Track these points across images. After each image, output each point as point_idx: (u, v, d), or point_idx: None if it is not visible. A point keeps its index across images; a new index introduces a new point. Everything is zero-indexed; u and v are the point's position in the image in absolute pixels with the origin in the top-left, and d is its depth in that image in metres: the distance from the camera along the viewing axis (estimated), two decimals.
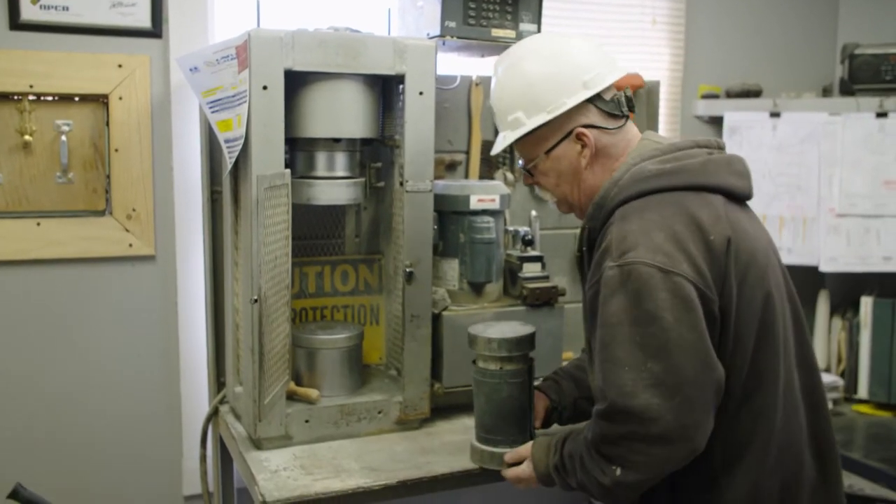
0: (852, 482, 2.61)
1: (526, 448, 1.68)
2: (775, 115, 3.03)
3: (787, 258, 3.00)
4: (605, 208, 1.51)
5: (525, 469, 1.66)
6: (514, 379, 1.74)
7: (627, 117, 1.60)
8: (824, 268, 2.98)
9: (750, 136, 3.05)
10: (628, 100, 1.59)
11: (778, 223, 3.02)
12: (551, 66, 1.57)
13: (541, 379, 1.92)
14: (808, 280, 3.16)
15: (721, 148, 1.59)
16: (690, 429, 1.36)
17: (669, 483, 1.48)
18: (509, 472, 1.70)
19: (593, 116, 1.56)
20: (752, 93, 3.10)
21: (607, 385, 1.39)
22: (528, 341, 1.75)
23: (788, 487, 1.47)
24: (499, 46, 2.21)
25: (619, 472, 1.40)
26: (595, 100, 1.56)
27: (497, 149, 1.67)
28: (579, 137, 1.56)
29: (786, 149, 3.02)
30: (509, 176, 2.46)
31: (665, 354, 1.34)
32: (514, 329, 1.79)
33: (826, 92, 3.24)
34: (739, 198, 1.53)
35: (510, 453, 1.72)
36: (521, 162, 1.69)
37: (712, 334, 1.39)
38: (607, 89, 1.57)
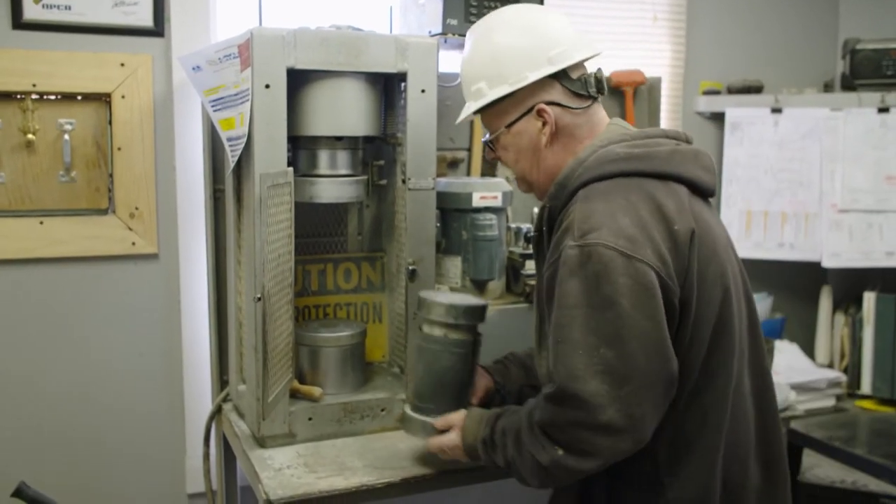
0: (856, 478, 2.61)
1: (457, 416, 1.65)
2: (777, 110, 3.03)
3: (790, 254, 3.01)
4: (567, 188, 1.48)
5: (452, 438, 1.62)
6: (457, 349, 1.71)
7: (595, 99, 1.57)
8: (827, 263, 2.98)
9: (751, 132, 3.05)
10: (598, 81, 1.55)
11: (780, 219, 3.02)
12: (518, 38, 1.55)
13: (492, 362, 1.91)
14: (810, 276, 3.16)
15: (689, 141, 1.58)
16: (637, 420, 1.32)
17: (610, 479, 1.45)
18: (434, 441, 1.67)
19: (557, 94, 1.54)
20: (754, 89, 3.10)
21: (557, 368, 1.36)
22: (476, 313, 1.72)
23: (733, 491, 1.44)
24: None
25: (560, 452, 1.38)
26: (561, 78, 1.53)
27: (460, 118, 1.66)
28: (540, 114, 1.53)
29: (787, 144, 3.02)
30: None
31: (619, 341, 1.31)
32: (465, 300, 1.77)
33: (827, 87, 3.24)
34: (703, 192, 1.51)
35: (440, 419, 1.68)
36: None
37: (670, 326, 1.35)
38: (575, 68, 1.55)
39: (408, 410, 1.78)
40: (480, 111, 1.60)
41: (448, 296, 1.80)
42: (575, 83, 1.54)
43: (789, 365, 2.84)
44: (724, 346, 1.42)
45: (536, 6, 1.73)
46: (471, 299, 1.79)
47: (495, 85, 1.55)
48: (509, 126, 1.58)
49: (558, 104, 1.54)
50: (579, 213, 1.40)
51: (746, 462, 1.47)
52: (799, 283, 3.23)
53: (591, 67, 1.61)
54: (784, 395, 2.30)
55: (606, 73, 2.60)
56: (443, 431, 1.67)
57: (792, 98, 3.05)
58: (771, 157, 3.03)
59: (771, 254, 3.04)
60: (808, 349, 3.07)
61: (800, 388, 2.69)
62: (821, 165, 2.98)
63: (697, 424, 1.41)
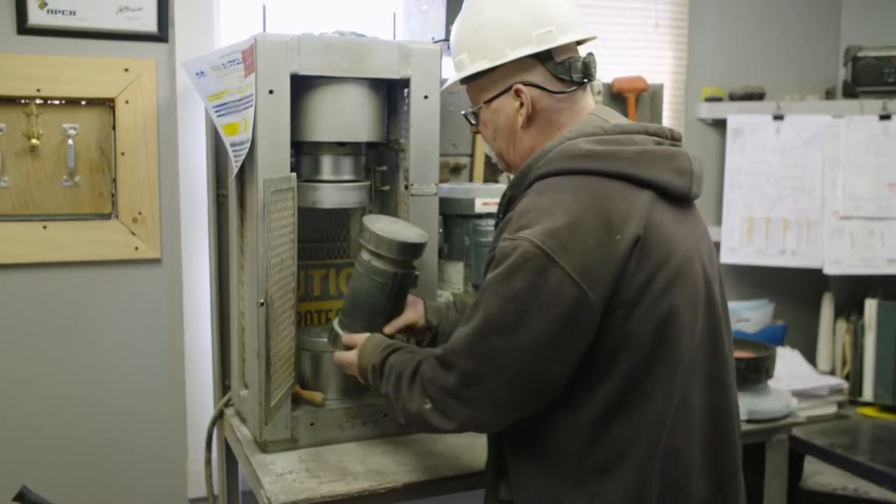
0: (858, 485, 2.61)
1: (361, 337, 1.72)
2: (778, 117, 3.04)
3: (791, 261, 3.01)
4: (527, 178, 1.44)
5: (351, 357, 1.71)
6: (377, 277, 1.77)
7: (580, 85, 1.50)
8: (828, 270, 2.98)
9: (753, 138, 3.06)
10: (586, 67, 1.49)
11: (782, 226, 3.03)
12: (506, 12, 1.49)
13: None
14: (812, 283, 3.16)
15: (675, 139, 1.48)
16: (500, 407, 1.38)
17: (546, 478, 1.43)
18: (336, 354, 1.77)
19: (538, 76, 1.48)
20: (756, 95, 3.10)
21: (455, 336, 1.41)
22: (404, 249, 1.75)
23: (673, 502, 1.41)
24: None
25: (428, 406, 1.43)
26: (545, 59, 1.48)
27: (443, 86, 1.64)
28: (517, 94, 1.48)
29: (789, 151, 3.03)
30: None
31: (511, 335, 1.32)
32: (404, 232, 1.79)
33: (829, 94, 3.25)
34: (675, 196, 1.42)
35: (347, 336, 1.78)
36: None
37: (582, 338, 1.32)
38: (561, 50, 1.48)
39: (334, 323, 1.86)
40: (464, 82, 1.57)
41: (389, 226, 1.81)
42: (559, 67, 1.48)
43: (791, 372, 2.84)
44: (664, 359, 1.35)
45: None
46: (409, 234, 1.79)
47: (476, 59, 1.51)
48: (488, 102, 1.53)
49: (538, 86, 1.48)
50: (522, 207, 1.39)
51: (690, 477, 1.40)
52: (800, 289, 3.23)
53: (589, 51, 1.54)
54: (786, 401, 2.30)
55: (608, 79, 2.65)
56: (350, 348, 1.75)
57: (794, 105, 3.06)
58: (773, 163, 3.04)
59: (773, 260, 3.04)
60: (810, 356, 3.07)
61: (801, 395, 2.69)
62: (823, 172, 2.99)
63: (631, 435, 1.36)
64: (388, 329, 1.81)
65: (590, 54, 1.51)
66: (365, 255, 1.78)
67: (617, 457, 1.36)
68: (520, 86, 1.48)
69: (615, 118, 1.49)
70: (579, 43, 1.55)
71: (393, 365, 1.55)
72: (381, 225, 1.78)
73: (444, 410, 1.42)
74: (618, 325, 1.33)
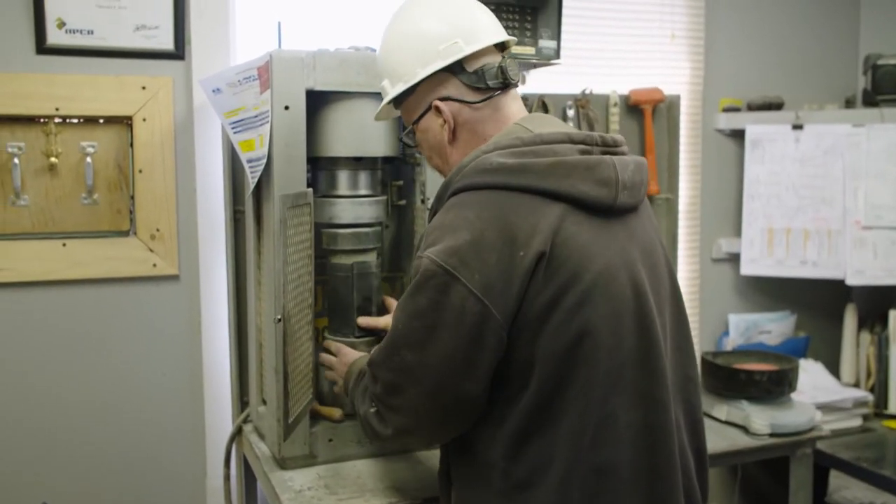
0: (886, 500, 2.57)
1: (343, 348, 1.86)
2: (798, 127, 3.01)
3: (813, 272, 2.98)
4: (446, 193, 1.44)
5: (339, 367, 1.82)
6: (338, 273, 1.94)
7: (501, 91, 1.48)
8: (851, 281, 2.94)
9: (772, 149, 3.03)
10: (502, 72, 1.46)
11: (802, 236, 3.00)
12: (411, 33, 1.49)
13: None
14: (834, 294, 3.13)
15: (608, 145, 1.43)
16: (422, 416, 1.40)
17: (477, 495, 1.43)
18: (321, 355, 1.90)
19: (453, 89, 1.47)
20: (774, 105, 3.08)
21: (375, 348, 1.46)
22: (348, 238, 1.91)
23: None
24: (518, 63, 2.21)
25: (373, 410, 1.48)
26: (457, 71, 1.46)
27: (376, 115, 1.65)
28: (437, 110, 1.48)
29: (809, 161, 3.00)
30: None
31: (420, 350, 1.34)
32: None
33: (849, 103, 3.22)
34: (595, 207, 1.37)
35: (328, 342, 1.92)
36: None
37: (490, 354, 1.32)
38: (472, 59, 1.46)
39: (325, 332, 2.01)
40: (397, 107, 1.58)
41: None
42: (472, 76, 1.46)
43: (814, 384, 2.81)
44: (579, 377, 1.32)
45: None
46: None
47: (395, 82, 1.52)
48: (416, 122, 1.53)
49: (455, 99, 1.47)
50: (430, 225, 1.39)
51: (618, 495, 1.35)
52: (823, 301, 3.20)
53: (508, 55, 1.51)
54: (809, 415, 2.27)
55: (625, 91, 2.64)
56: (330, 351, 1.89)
57: (813, 114, 3.04)
58: (792, 173, 3.01)
59: (794, 271, 3.01)
60: (833, 368, 3.03)
61: (825, 407, 2.65)
62: (843, 182, 2.96)
63: (549, 451, 1.34)
64: (362, 321, 1.93)
65: (506, 58, 1.49)
66: (329, 258, 1.94)
67: (536, 473, 1.34)
68: (437, 102, 1.48)
69: (541, 126, 1.45)
70: (504, 50, 1.53)
71: (362, 371, 1.61)
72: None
73: (381, 415, 1.46)
74: (528, 342, 1.32)
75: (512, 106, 1.51)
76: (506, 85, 1.48)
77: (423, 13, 1.51)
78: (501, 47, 1.53)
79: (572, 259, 1.31)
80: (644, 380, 1.36)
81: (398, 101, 1.55)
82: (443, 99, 1.47)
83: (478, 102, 1.47)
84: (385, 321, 1.91)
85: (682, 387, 1.49)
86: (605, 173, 1.37)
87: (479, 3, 1.55)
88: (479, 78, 1.47)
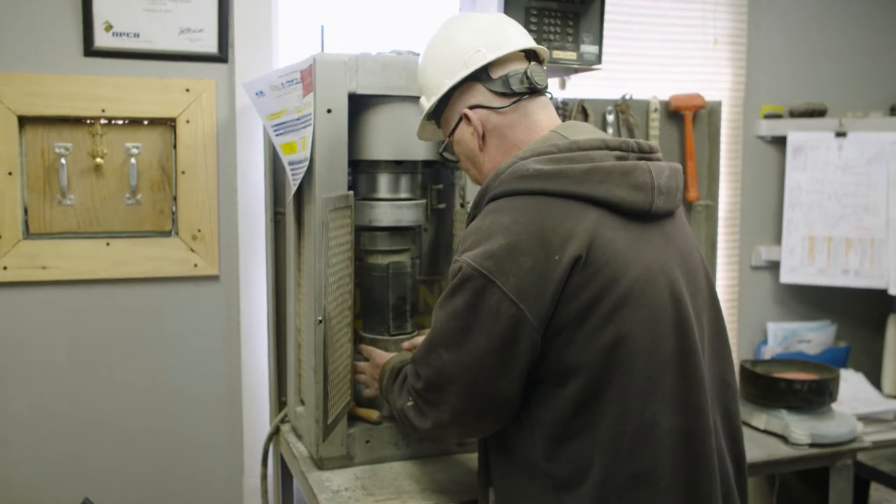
0: None
1: (378, 352, 1.88)
2: (841, 134, 2.97)
3: (854, 281, 2.94)
4: (484, 198, 1.46)
5: (370, 370, 1.86)
6: (374, 273, 1.96)
7: (527, 96, 1.50)
8: (894, 291, 2.90)
9: (815, 156, 3.00)
10: (528, 77, 1.49)
11: (845, 245, 2.96)
12: (440, 49, 1.56)
13: None
14: (876, 303, 3.09)
15: (644, 152, 1.45)
16: (458, 413, 1.43)
17: (517, 494, 1.44)
18: (356, 364, 1.92)
19: (480, 96, 1.51)
20: (817, 112, 3.05)
21: (419, 345, 1.49)
22: (385, 238, 1.94)
23: None
24: (560, 68, 2.21)
25: (410, 404, 1.53)
26: (482, 79, 1.51)
27: (417, 132, 1.71)
28: (467, 119, 1.52)
29: (852, 169, 2.96)
30: None
31: (457, 349, 1.38)
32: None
33: (894, 111, 3.17)
34: (632, 212, 1.38)
35: (362, 346, 1.95)
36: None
37: (524, 356, 1.34)
38: (496, 67, 1.50)
39: (361, 332, 2.03)
40: (437, 125, 1.64)
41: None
42: (496, 82, 1.50)
43: (855, 395, 2.77)
44: (615, 383, 1.33)
45: (467, 14, 1.71)
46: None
47: (429, 97, 1.58)
48: (451, 135, 1.59)
49: (482, 106, 1.51)
50: (468, 229, 1.43)
51: (656, 499, 1.35)
52: (864, 310, 3.15)
53: (535, 62, 1.54)
54: (850, 426, 2.24)
55: (665, 97, 2.62)
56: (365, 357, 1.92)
57: (857, 122, 3.00)
58: (835, 181, 2.97)
59: (835, 280, 2.98)
60: (875, 379, 2.99)
61: (866, 419, 2.62)
62: (887, 190, 2.92)
63: (587, 455, 1.34)
64: (406, 345, 1.92)
65: (533, 65, 1.52)
66: (365, 259, 1.96)
67: (575, 475, 1.36)
68: (466, 110, 1.52)
69: (577, 134, 1.46)
70: (534, 60, 1.56)
71: (397, 370, 1.67)
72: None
73: (420, 409, 1.50)
74: (563, 346, 1.33)
75: (541, 113, 1.53)
76: (532, 91, 1.51)
77: (452, 31, 1.57)
78: (534, 58, 1.56)
79: (609, 264, 1.32)
80: (682, 385, 1.36)
81: (436, 116, 1.61)
82: (471, 107, 1.52)
83: (504, 108, 1.50)
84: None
85: (721, 393, 1.49)
86: (640, 178, 1.38)
87: (508, 18, 1.61)
88: (505, 83, 1.50)
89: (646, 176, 1.39)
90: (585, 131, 1.49)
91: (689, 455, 1.36)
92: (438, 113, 1.60)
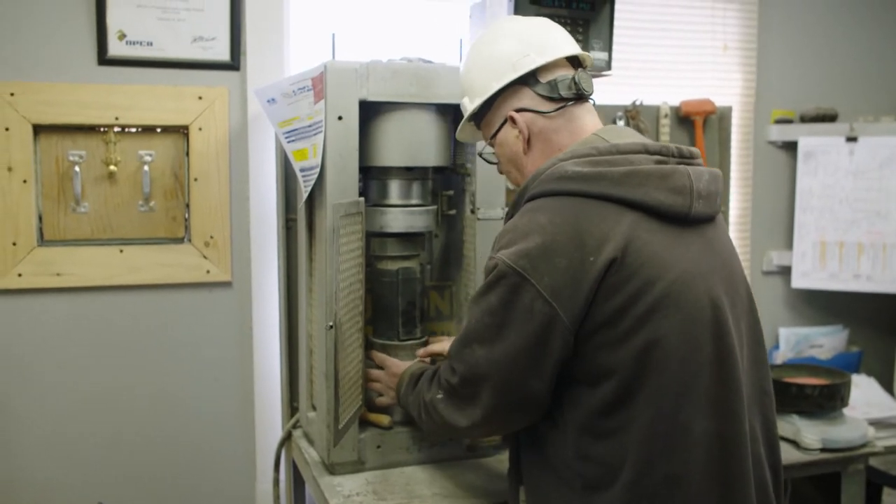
0: None
1: (391, 360, 1.89)
2: (852, 139, 2.97)
3: (866, 286, 2.93)
4: (522, 198, 1.47)
5: (386, 379, 1.87)
6: (384, 279, 1.97)
7: (570, 101, 1.51)
8: None
9: (826, 161, 2.99)
10: (575, 83, 1.51)
11: (856, 250, 2.95)
12: (488, 50, 1.56)
13: None
14: (888, 308, 3.08)
15: (685, 157, 1.45)
16: (490, 410, 1.44)
17: (548, 492, 1.45)
18: (370, 372, 1.93)
19: (527, 100, 1.52)
20: (828, 117, 3.05)
21: (454, 340, 1.51)
22: (394, 244, 1.95)
23: None
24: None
25: (440, 395, 1.54)
26: (530, 83, 1.51)
27: (457, 132, 1.72)
28: (512, 121, 1.52)
29: (864, 174, 2.95)
30: None
31: (490, 346, 1.40)
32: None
33: None
34: (670, 216, 1.38)
35: (373, 352, 1.96)
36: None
37: (556, 355, 1.35)
38: (544, 71, 1.51)
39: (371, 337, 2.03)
40: (478, 126, 1.65)
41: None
42: (545, 87, 1.51)
43: (867, 400, 2.75)
44: (649, 385, 1.33)
45: (512, 17, 1.70)
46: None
47: (474, 99, 1.58)
48: (493, 137, 1.59)
49: (529, 110, 1.52)
50: (505, 227, 1.44)
51: (687, 500, 1.36)
52: (876, 315, 3.14)
53: (581, 68, 1.56)
54: (862, 430, 2.23)
55: (676, 102, 2.63)
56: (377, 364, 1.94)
57: (868, 126, 2.99)
58: (846, 186, 2.97)
59: (846, 285, 2.97)
60: (887, 384, 2.98)
61: (878, 423, 2.60)
62: None
63: (619, 455, 1.35)
64: (421, 352, 1.95)
65: (581, 71, 1.54)
66: (375, 264, 1.97)
67: (606, 475, 1.36)
68: (512, 113, 1.52)
69: (617, 137, 1.47)
70: (579, 66, 1.57)
71: (422, 376, 1.69)
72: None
73: (454, 405, 1.51)
74: (596, 346, 1.34)
75: (586, 118, 1.54)
76: (579, 96, 1.52)
77: (499, 34, 1.58)
78: (578, 65, 1.58)
79: (644, 267, 1.33)
80: (718, 390, 1.37)
81: (478, 118, 1.61)
82: (518, 110, 1.52)
83: (551, 112, 1.51)
84: (437, 348, 1.94)
85: (759, 400, 1.49)
86: (679, 182, 1.39)
87: (554, 23, 1.61)
88: (553, 88, 1.51)
89: (684, 180, 1.39)
90: (626, 135, 1.50)
91: (722, 459, 1.37)
92: (481, 115, 1.60)
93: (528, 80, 1.52)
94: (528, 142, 1.53)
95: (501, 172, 1.66)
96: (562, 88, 1.51)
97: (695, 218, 1.41)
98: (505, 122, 1.55)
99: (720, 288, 1.40)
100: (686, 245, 1.39)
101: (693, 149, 1.48)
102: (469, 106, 1.60)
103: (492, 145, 1.62)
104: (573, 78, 1.51)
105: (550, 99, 1.51)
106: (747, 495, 1.39)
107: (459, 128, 1.69)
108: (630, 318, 1.32)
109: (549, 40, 1.54)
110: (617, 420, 1.35)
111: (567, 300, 1.32)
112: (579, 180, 1.37)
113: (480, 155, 1.70)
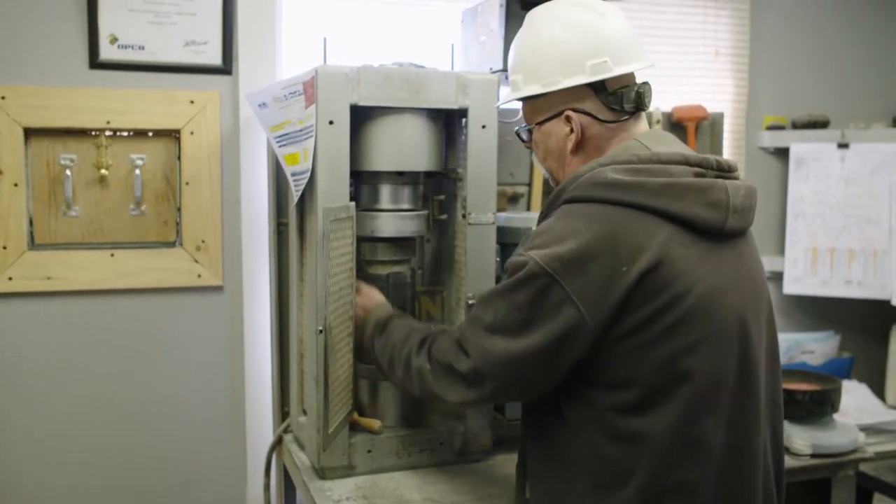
0: None
1: (374, 298, 1.88)
2: (843, 145, 2.98)
3: (857, 292, 2.94)
4: (558, 199, 1.45)
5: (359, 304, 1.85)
6: (374, 282, 1.96)
7: (632, 114, 1.50)
8: None
9: (817, 167, 3.00)
10: (639, 97, 1.49)
11: (847, 256, 2.96)
12: (561, 38, 1.49)
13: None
14: (879, 314, 3.08)
15: (724, 169, 1.44)
16: (494, 396, 1.49)
17: (556, 490, 1.46)
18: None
19: (590, 104, 1.49)
20: (819, 123, 3.05)
21: (465, 321, 1.52)
22: (384, 249, 1.96)
23: None
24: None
25: (430, 367, 1.53)
26: (598, 90, 1.48)
27: (499, 102, 1.68)
28: (568, 119, 1.50)
29: (855, 180, 2.96)
30: None
31: (511, 339, 1.39)
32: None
33: None
34: (705, 230, 1.38)
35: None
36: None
37: (573, 357, 1.36)
38: (614, 81, 1.48)
39: None
40: (519, 99, 1.59)
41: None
42: (611, 97, 1.48)
43: (858, 406, 2.76)
44: (671, 395, 1.34)
45: (597, 3, 1.54)
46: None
47: (530, 82, 1.53)
48: (540, 123, 1.55)
49: (589, 114, 1.49)
50: (540, 227, 1.43)
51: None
52: (868, 321, 3.15)
53: (644, 80, 1.54)
54: (852, 436, 2.23)
55: (668, 108, 2.63)
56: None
57: (859, 133, 3.00)
58: (838, 193, 2.98)
59: (838, 291, 2.98)
60: (878, 390, 2.98)
61: (869, 429, 2.60)
62: (890, 201, 2.92)
63: (635, 459, 1.36)
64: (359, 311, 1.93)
65: (644, 84, 1.51)
66: (366, 269, 1.97)
67: (619, 477, 1.36)
68: (570, 112, 1.49)
69: (659, 145, 1.46)
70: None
71: (403, 326, 1.70)
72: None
73: (448, 381, 1.51)
74: (621, 355, 1.34)
75: (638, 126, 1.53)
76: (639, 109, 1.51)
77: (576, 19, 1.51)
78: None
79: (676, 280, 1.33)
80: (738, 405, 1.38)
81: (525, 97, 1.57)
82: (577, 111, 1.49)
83: (611, 122, 1.49)
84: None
85: (771, 412, 1.50)
86: (716, 196, 1.38)
87: (629, 23, 1.55)
88: (618, 100, 1.49)
89: (722, 194, 1.39)
90: (667, 142, 1.49)
91: (735, 471, 1.38)
92: (532, 97, 1.55)
93: (595, 84, 1.48)
94: (579, 144, 1.51)
95: (530, 149, 1.64)
96: (626, 101, 1.49)
97: (728, 232, 1.41)
98: (558, 115, 1.51)
99: (747, 302, 1.42)
100: (717, 259, 1.39)
101: (731, 161, 1.47)
102: (524, 88, 1.54)
103: (527, 127, 1.59)
104: (638, 91, 1.49)
105: (613, 109, 1.49)
106: (755, 499, 1.41)
107: (501, 99, 1.64)
108: (657, 328, 1.33)
109: (627, 46, 1.50)
110: (634, 425, 1.35)
111: (595, 306, 1.32)
112: (618, 189, 1.36)
113: (516, 132, 1.65)
